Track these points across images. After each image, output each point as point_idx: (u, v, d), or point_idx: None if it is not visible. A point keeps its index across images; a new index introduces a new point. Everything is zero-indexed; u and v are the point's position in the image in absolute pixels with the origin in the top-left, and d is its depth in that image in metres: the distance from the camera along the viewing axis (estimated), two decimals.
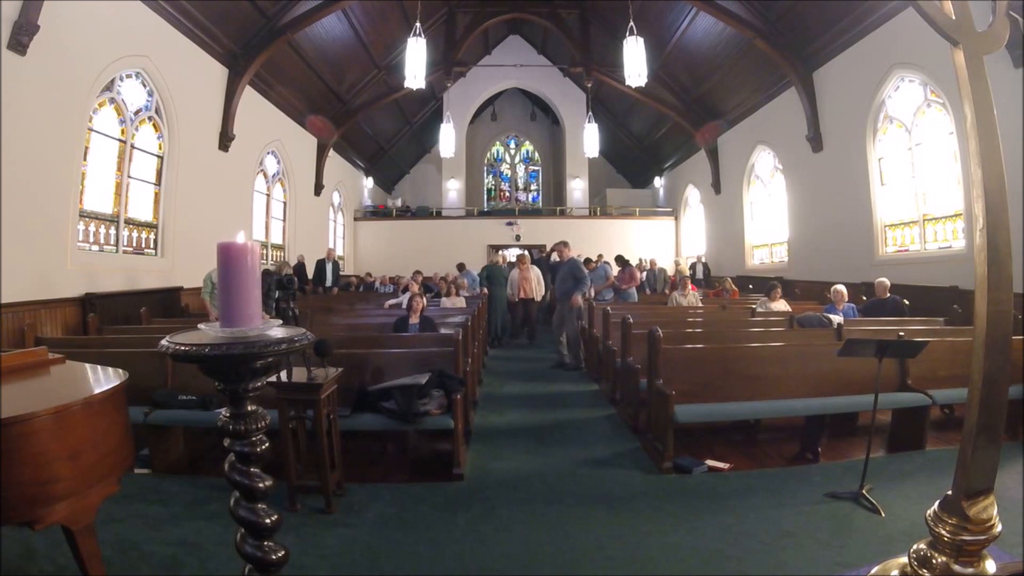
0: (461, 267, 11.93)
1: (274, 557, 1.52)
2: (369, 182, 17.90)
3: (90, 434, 1.83)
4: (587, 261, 9.95)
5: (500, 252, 16.01)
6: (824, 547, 2.65)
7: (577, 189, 18.09)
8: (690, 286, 8.49)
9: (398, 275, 13.11)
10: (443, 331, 5.29)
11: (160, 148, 7.84)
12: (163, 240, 7.84)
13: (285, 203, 12.29)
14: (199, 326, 1.50)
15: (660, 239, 16.74)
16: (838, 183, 9.08)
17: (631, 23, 8.35)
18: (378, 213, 17.43)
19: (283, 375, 3.15)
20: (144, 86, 7.43)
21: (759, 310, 6.72)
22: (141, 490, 3.34)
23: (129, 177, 7.22)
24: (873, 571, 2.09)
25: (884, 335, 3.79)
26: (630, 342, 5.03)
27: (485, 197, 20.92)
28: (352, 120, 13.73)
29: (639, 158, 18.76)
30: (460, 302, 8.34)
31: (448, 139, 13.75)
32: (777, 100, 10.77)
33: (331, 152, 13.88)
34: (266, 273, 5.99)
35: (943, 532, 1.79)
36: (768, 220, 11.94)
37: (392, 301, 8.31)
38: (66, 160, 5.93)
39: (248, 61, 9.11)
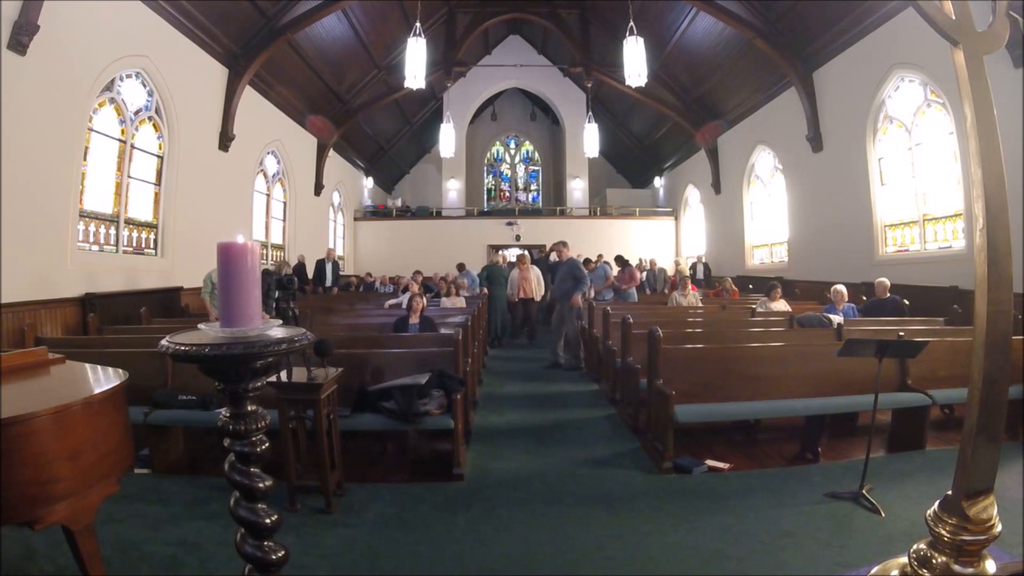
0: (461, 267, 11.92)
1: (274, 557, 1.52)
2: (369, 182, 17.90)
3: (90, 434, 1.83)
4: (587, 262, 9.95)
5: (500, 252, 16.02)
6: (824, 547, 2.65)
7: (577, 189, 18.09)
8: (690, 286, 8.50)
9: (398, 275, 13.11)
10: (443, 331, 5.29)
11: (160, 148, 7.84)
12: (163, 240, 7.84)
13: (285, 203, 12.29)
14: (199, 326, 1.50)
15: (660, 239, 16.74)
16: (838, 183, 9.08)
17: (631, 23, 8.35)
18: (378, 213, 17.43)
19: (283, 375, 3.15)
20: (144, 86, 7.43)
21: (759, 310, 6.72)
22: (141, 490, 3.34)
23: (129, 177, 7.22)
24: (873, 571, 2.09)
25: (884, 335, 3.79)
26: (630, 342, 5.03)
27: (485, 197, 20.92)
28: (352, 120, 13.73)
29: (639, 158, 18.77)
30: (460, 302, 8.34)
31: (448, 139, 13.75)
32: (777, 100, 10.77)
33: (331, 152, 13.88)
34: (266, 273, 5.99)
35: (943, 532, 1.79)
36: (768, 220, 11.94)
37: (392, 301, 8.31)
38: (66, 160, 5.93)
39: (248, 61, 9.11)
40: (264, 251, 11.16)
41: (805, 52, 9.28)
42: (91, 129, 6.48)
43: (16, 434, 1.63)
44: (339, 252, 14.98)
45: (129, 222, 7.27)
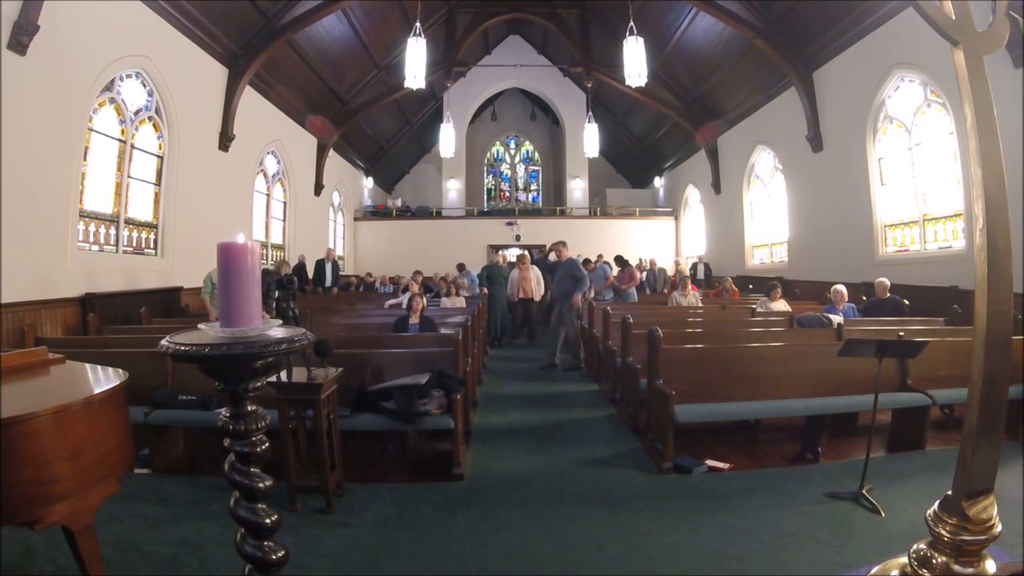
0: (461, 267, 11.93)
1: (274, 557, 1.52)
2: (369, 182, 17.90)
3: (90, 434, 1.83)
4: (586, 262, 9.95)
5: (500, 252, 16.02)
6: (824, 547, 2.65)
7: (577, 189, 18.09)
8: (690, 286, 8.50)
9: (398, 275, 13.12)
10: (443, 331, 5.29)
11: (160, 148, 7.84)
12: (163, 240, 7.84)
13: (285, 203, 12.29)
14: (199, 326, 1.50)
15: (660, 239, 16.74)
16: (838, 183, 9.08)
17: (631, 23, 8.36)
18: (378, 213, 17.43)
19: (283, 375, 3.15)
20: (144, 86, 7.43)
21: (759, 310, 6.72)
22: (141, 490, 3.34)
23: (129, 177, 7.22)
24: (873, 571, 2.09)
25: (884, 335, 3.79)
26: (630, 342, 5.03)
27: (485, 197, 20.92)
28: (352, 120, 13.73)
29: (639, 158, 18.76)
30: (460, 302, 8.34)
31: (448, 139, 13.75)
32: (777, 100, 10.76)
33: (331, 152, 13.88)
34: (266, 273, 5.99)
35: (943, 532, 1.79)
36: (768, 220, 11.94)
37: (392, 301, 8.31)
38: (66, 160, 5.93)
39: (248, 61, 9.11)
40: (264, 251, 11.16)
41: (805, 52, 9.28)
42: (91, 129, 6.48)
43: (16, 434, 1.63)
44: (339, 252, 14.98)
45: (129, 222, 7.27)
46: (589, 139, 13.82)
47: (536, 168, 21.56)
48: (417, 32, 8.43)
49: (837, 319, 5.41)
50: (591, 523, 2.97)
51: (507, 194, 21.38)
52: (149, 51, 7.20)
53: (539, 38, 17.09)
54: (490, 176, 21.43)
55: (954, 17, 1.85)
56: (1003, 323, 1.78)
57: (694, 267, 13.33)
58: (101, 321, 5.83)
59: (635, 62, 8.31)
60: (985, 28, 1.88)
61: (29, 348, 3.03)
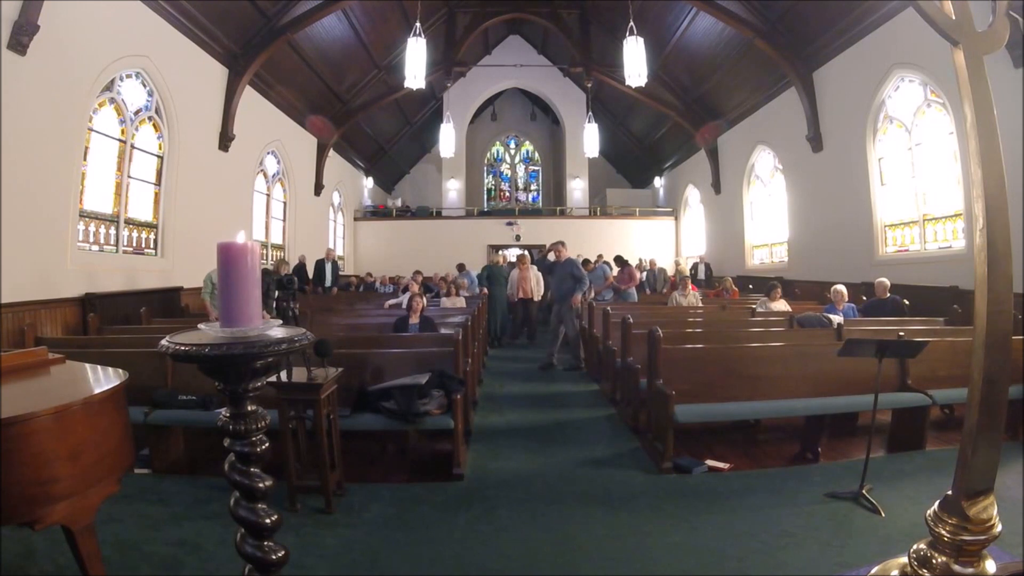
0: (461, 267, 11.93)
1: (274, 557, 1.52)
2: (369, 182, 17.90)
3: (90, 434, 1.83)
4: (586, 262, 9.95)
5: (500, 252, 16.02)
6: (824, 547, 2.65)
7: (577, 189, 18.09)
8: (690, 286, 8.50)
9: (398, 275, 13.12)
10: (443, 331, 5.29)
11: (160, 148, 7.84)
12: (163, 240, 7.84)
13: (285, 203, 12.29)
14: (199, 326, 1.50)
15: (660, 239, 16.75)
16: (838, 183, 9.08)
17: (631, 23, 8.36)
18: (378, 213, 17.44)
19: (283, 375, 3.15)
20: (144, 86, 7.43)
21: (759, 310, 6.72)
22: (141, 490, 3.34)
23: (129, 177, 7.22)
24: (873, 571, 2.09)
25: (884, 335, 3.79)
26: (630, 342, 5.03)
27: (485, 197, 20.92)
28: (352, 120, 13.73)
29: (639, 158, 18.77)
30: (460, 302, 8.34)
31: (448, 139, 13.76)
32: (777, 100, 10.77)
33: (331, 152, 13.88)
34: (266, 273, 5.99)
35: (943, 532, 1.79)
36: (768, 220, 11.94)
37: (392, 301, 8.31)
38: (66, 160, 5.93)
39: (248, 61, 9.11)
40: (264, 251, 11.16)
41: (805, 52, 9.28)
42: (91, 129, 6.48)
43: (16, 434, 1.63)
44: (339, 252, 14.98)
45: (129, 222, 7.27)
46: (589, 139, 13.82)
47: (536, 168, 21.57)
48: (417, 32, 8.43)
49: (837, 319, 5.41)
50: (591, 523, 2.97)
51: (507, 194, 21.38)
52: (149, 51, 7.21)
53: (539, 38, 17.09)
54: (490, 176, 21.43)
55: (954, 17, 1.85)
56: (1003, 323, 1.78)
57: (694, 267, 13.33)
58: (101, 321, 5.83)
59: (635, 62, 8.31)
60: (985, 28, 1.87)
61: (29, 348, 3.03)
